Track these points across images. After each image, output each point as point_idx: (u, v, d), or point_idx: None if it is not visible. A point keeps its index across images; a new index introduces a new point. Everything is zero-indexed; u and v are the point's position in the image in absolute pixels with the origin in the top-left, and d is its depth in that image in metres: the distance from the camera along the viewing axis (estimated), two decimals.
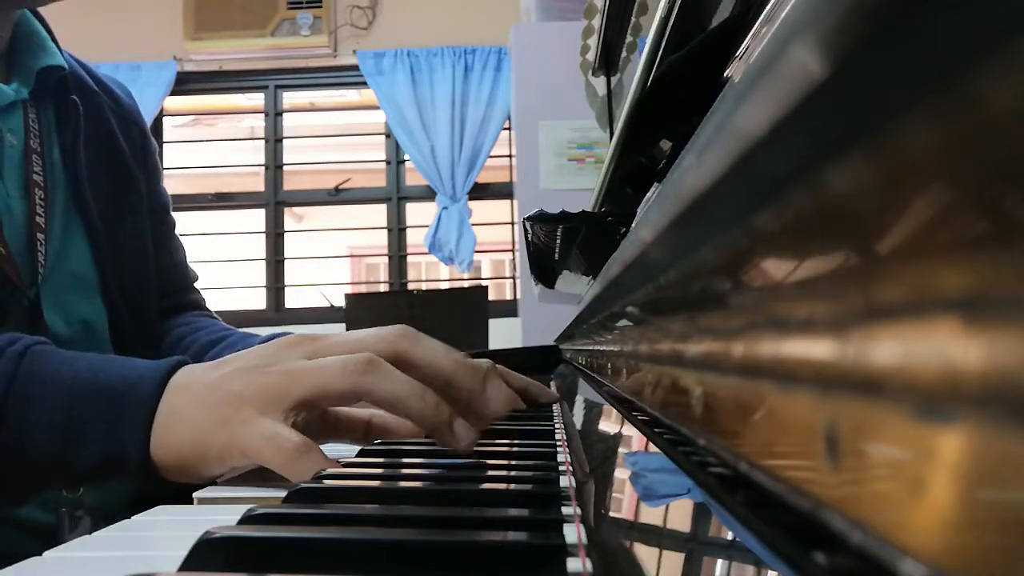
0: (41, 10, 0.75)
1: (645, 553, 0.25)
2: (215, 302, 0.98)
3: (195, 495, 0.42)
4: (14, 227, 0.67)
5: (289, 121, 3.81)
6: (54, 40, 0.75)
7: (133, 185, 0.79)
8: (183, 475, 0.45)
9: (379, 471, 0.46)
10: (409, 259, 3.70)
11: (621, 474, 0.36)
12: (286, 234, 3.71)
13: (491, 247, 3.91)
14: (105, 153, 0.76)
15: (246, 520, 0.31)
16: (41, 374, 0.45)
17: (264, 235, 3.63)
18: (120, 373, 0.45)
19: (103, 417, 0.44)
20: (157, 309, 0.80)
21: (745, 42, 0.36)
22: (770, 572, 0.15)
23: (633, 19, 0.93)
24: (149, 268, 0.79)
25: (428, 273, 4.47)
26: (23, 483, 0.47)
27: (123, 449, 0.44)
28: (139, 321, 0.77)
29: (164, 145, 3.56)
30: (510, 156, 3.32)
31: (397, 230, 3.64)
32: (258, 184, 3.71)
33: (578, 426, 0.60)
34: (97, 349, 0.72)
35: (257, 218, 3.66)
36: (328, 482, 0.39)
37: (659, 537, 0.25)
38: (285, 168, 3.72)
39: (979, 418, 0.09)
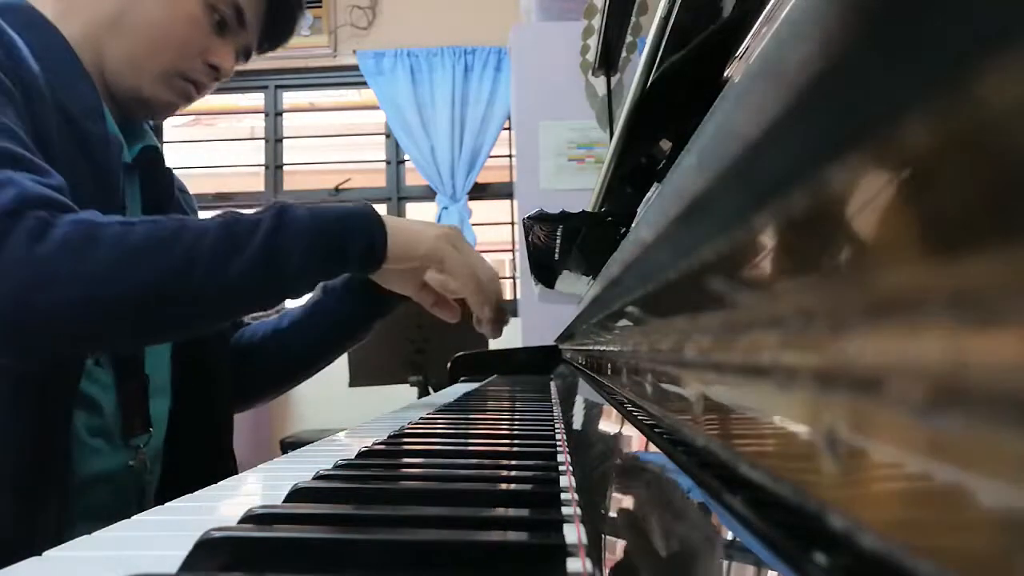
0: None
1: (645, 553, 0.25)
2: None
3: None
4: None
5: (289, 121, 3.81)
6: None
7: None
8: (404, 263, 0.78)
9: (378, 471, 0.46)
10: None
11: (621, 474, 0.36)
12: None
13: (491, 247, 3.91)
14: (181, 214, 0.91)
15: (246, 520, 0.31)
16: (307, 207, 0.73)
17: None
18: (353, 205, 0.77)
19: (361, 224, 0.75)
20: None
21: (745, 42, 0.36)
22: (770, 572, 0.15)
23: (633, 19, 0.93)
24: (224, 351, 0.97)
25: None
26: (318, 265, 0.73)
27: (375, 240, 0.75)
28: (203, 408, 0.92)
29: (164, 145, 3.56)
30: (510, 156, 3.32)
31: None
32: (258, 184, 3.71)
33: (578, 426, 0.60)
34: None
35: None
36: (328, 482, 0.39)
37: (659, 537, 0.25)
38: (285, 168, 3.72)
39: (979, 418, 0.09)
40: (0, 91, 0.67)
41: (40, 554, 0.31)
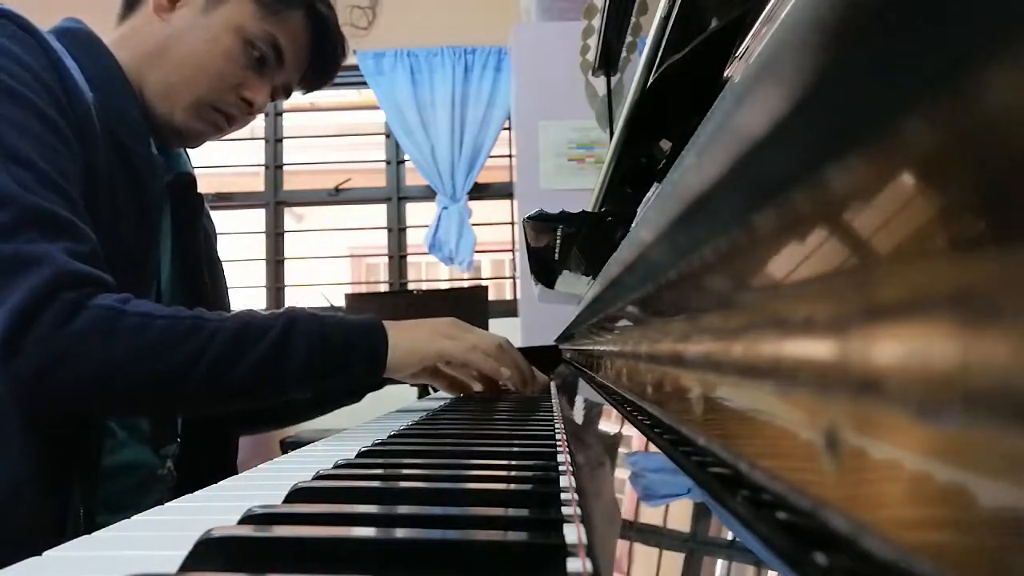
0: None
1: (645, 553, 0.25)
2: None
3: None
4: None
5: (289, 121, 3.81)
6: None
7: (217, 263, 1.03)
8: (402, 372, 0.83)
9: (378, 471, 0.46)
10: (409, 259, 3.69)
11: (621, 474, 0.36)
12: (286, 234, 3.71)
13: (491, 247, 3.90)
14: (205, 238, 0.99)
15: (246, 520, 0.31)
16: (318, 319, 0.78)
17: (264, 235, 3.63)
18: (361, 319, 0.82)
19: (366, 340, 0.79)
20: None
21: (745, 42, 0.36)
22: (770, 572, 0.15)
23: (633, 19, 0.93)
24: None
25: (428, 273, 4.46)
26: (323, 383, 0.78)
27: (377, 357, 0.79)
28: None
29: None
30: (510, 156, 3.32)
31: (397, 230, 3.64)
32: (258, 184, 3.71)
33: (578, 426, 0.60)
34: None
35: (257, 218, 3.66)
36: (328, 482, 0.39)
37: (659, 537, 0.25)
38: (285, 168, 3.72)
39: (979, 418, 0.09)
40: (54, 130, 0.72)
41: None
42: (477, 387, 0.99)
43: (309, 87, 0.97)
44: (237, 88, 0.88)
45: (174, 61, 0.86)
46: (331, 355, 0.77)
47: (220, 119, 0.90)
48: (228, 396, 0.75)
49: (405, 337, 0.82)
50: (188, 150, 0.99)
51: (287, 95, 0.96)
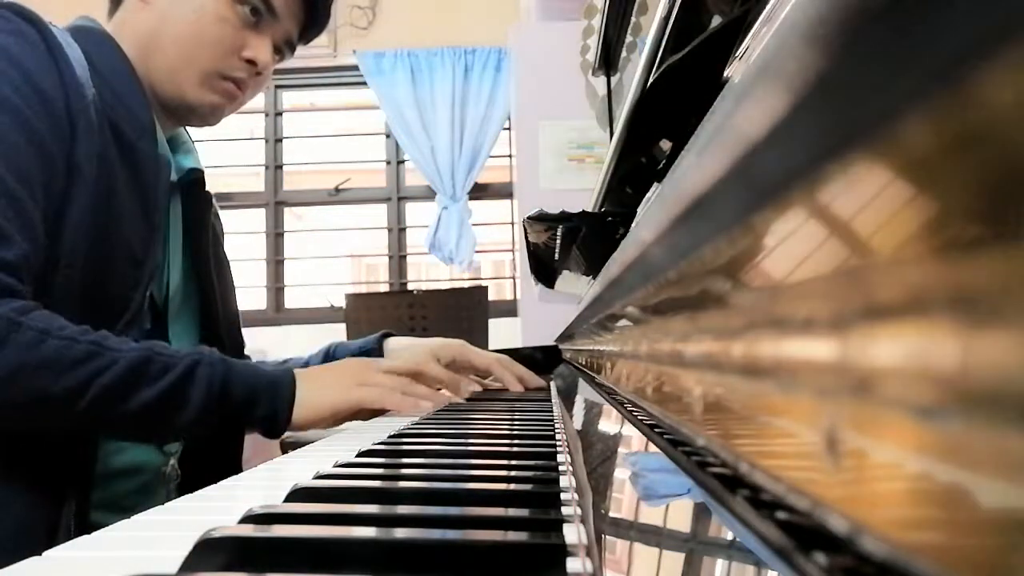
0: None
1: (645, 553, 0.25)
2: None
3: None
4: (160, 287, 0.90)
5: (289, 121, 3.81)
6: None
7: (225, 263, 1.03)
8: (310, 427, 0.80)
9: (379, 471, 0.46)
10: (409, 259, 3.70)
11: (621, 474, 0.36)
12: (286, 234, 3.71)
13: (491, 247, 3.90)
14: (214, 237, 1.00)
15: (246, 520, 0.31)
16: (226, 366, 0.75)
17: (264, 235, 3.63)
18: (272, 372, 0.79)
19: (269, 396, 0.77)
20: None
21: (745, 42, 0.36)
22: (770, 572, 0.15)
23: (633, 19, 0.93)
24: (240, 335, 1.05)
25: (428, 273, 4.46)
26: (213, 427, 0.75)
27: (277, 414, 0.77)
28: None
29: None
30: (510, 156, 3.32)
31: (397, 230, 3.64)
32: (258, 184, 3.71)
33: (578, 426, 0.60)
34: None
35: (257, 218, 3.66)
36: (328, 482, 0.39)
37: (659, 537, 0.25)
38: (285, 168, 3.72)
39: (978, 418, 0.09)
40: (27, 130, 0.71)
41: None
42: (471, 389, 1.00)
43: (310, 35, 0.96)
44: (238, 51, 0.88)
45: (170, 42, 0.86)
46: (229, 408, 0.75)
47: (230, 86, 0.90)
48: (114, 428, 0.73)
49: (314, 391, 0.80)
50: (196, 151, 0.99)
51: (292, 50, 0.95)
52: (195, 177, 0.95)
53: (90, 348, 0.68)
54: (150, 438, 0.78)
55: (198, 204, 0.96)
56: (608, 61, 1.04)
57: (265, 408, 0.77)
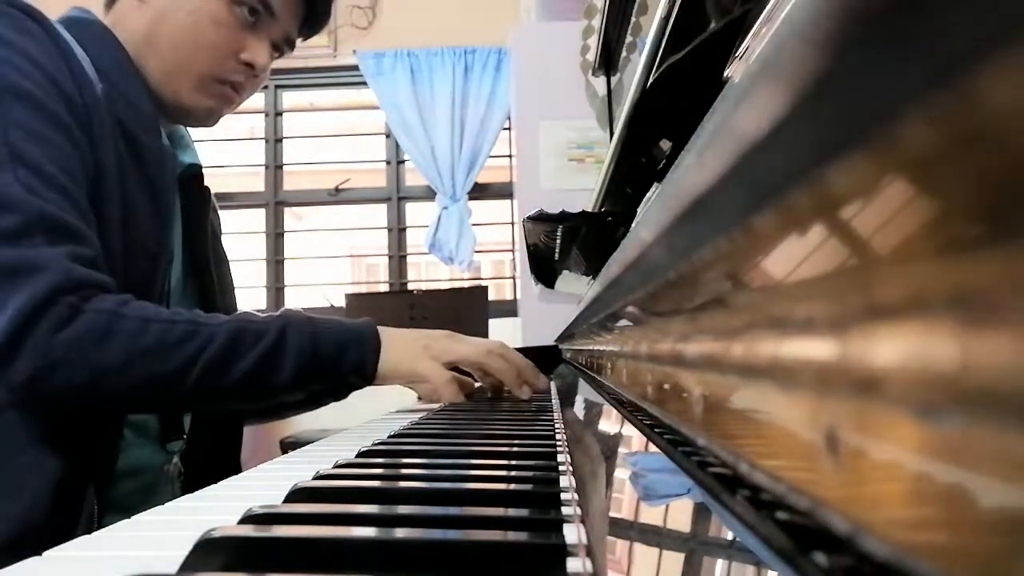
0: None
1: (645, 553, 0.25)
2: None
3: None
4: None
5: (289, 121, 3.81)
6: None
7: (224, 260, 1.03)
8: (389, 381, 0.84)
9: (379, 471, 0.46)
10: (409, 259, 3.69)
11: (621, 474, 0.36)
12: (286, 234, 3.71)
13: (491, 247, 3.90)
14: (212, 233, 1.00)
15: (246, 520, 0.31)
16: (312, 324, 0.79)
17: (264, 235, 3.63)
18: (356, 324, 0.83)
19: (356, 346, 0.81)
20: None
21: (745, 42, 0.36)
22: (770, 572, 0.15)
23: (633, 19, 0.93)
24: None
25: (428, 273, 4.46)
26: (313, 384, 0.79)
27: (365, 365, 0.81)
28: None
29: None
30: (510, 156, 3.32)
31: (397, 230, 3.63)
32: (258, 184, 3.71)
33: (578, 426, 0.60)
34: None
35: (257, 218, 3.66)
36: (328, 482, 0.39)
37: (659, 537, 0.25)
38: (285, 168, 3.72)
39: (978, 418, 0.09)
40: (62, 130, 0.72)
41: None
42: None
43: (309, 32, 0.95)
44: (236, 53, 0.86)
45: (166, 43, 0.84)
46: (321, 363, 0.78)
47: (227, 90, 0.89)
48: (220, 400, 0.76)
49: (395, 350, 0.83)
50: (194, 146, 0.99)
51: (291, 48, 0.93)
52: (194, 173, 0.95)
53: (188, 327, 0.72)
54: (256, 403, 0.80)
55: (197, 200, 0.96)
56: (608, 61, 1.04)
57: (353, 359, 0.80)
